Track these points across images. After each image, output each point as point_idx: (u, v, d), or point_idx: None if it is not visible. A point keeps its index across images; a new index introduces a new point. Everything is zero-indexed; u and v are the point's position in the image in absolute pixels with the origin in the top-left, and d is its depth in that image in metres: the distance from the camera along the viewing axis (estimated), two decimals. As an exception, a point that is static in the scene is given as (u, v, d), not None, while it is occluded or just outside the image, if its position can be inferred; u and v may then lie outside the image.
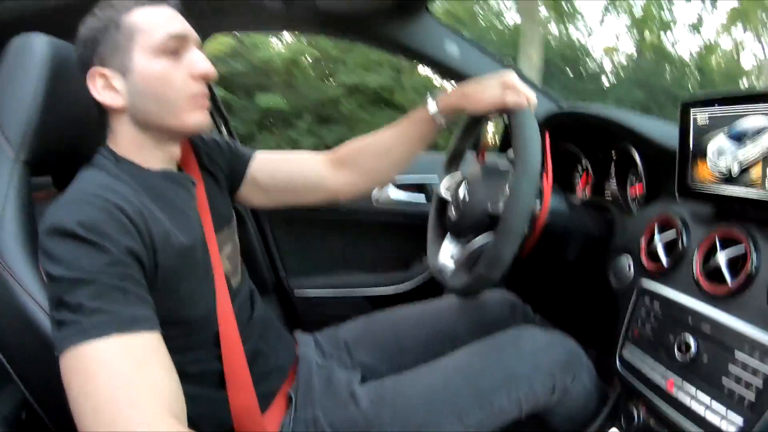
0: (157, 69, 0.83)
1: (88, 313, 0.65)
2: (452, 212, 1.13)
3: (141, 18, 0.83)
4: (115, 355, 0.65)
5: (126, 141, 0.87)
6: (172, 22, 0.85)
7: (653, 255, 1.00)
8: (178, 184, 0.91)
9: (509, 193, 0.92)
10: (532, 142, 0.91)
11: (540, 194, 1.04)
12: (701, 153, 0.90)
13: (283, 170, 1.13)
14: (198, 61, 0.86)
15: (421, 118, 1.09)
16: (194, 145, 1.03)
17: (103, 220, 0.71)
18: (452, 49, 1.60)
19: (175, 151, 0.93)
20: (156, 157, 0.89)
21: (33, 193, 0.88)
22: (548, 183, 1.04)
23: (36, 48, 0.87)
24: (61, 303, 0.67)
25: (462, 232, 1.12)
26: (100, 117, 0.88)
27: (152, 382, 0.66)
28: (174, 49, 0.84)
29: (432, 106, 1.07)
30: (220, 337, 0.88)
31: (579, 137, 1.44)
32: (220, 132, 1.86)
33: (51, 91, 0.87)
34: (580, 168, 1.49)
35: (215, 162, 1.05)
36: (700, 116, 0.90)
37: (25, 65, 0.87)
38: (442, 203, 1.24)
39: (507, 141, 1.82)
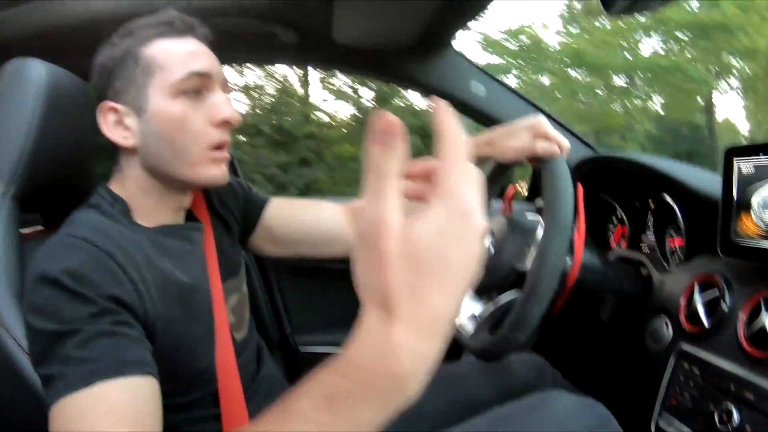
0: (174, 111, 0.83)
1: (74, 363, 0.65)
2: None
3: (162, 52, 0.83)
4: (100, 407, 0.64)
5: (133, 184, 0.88)
6: (196, 58, 0.85)
7: (693, 316, 1.00)
8: (181, 238, 0.92)
9: (539, 251, 0.93)
10: (565, 194, 0.92)
11: (571, 250, 1.05)
12: (746, 205, 0.92)
13: (300, 219, 1.15)
14: (220, 105, 0.86)
15: None
16: (207, 194, 1.05)
17: (90, 267, 0.71)
18: (478, 89, 1.65)
19: (185, 200, 0.94)
20: (163, 205, 0.90)
21: (21, 230, 0.90)
22: (580, 238, 1.05)
23: (32, 74, 0.89)
24: (47, 356, 0.67)
25: (485, 288, 1.13)
26: (112, 153, 0.89)
27: (140, 422, 0.65)
28: (195, 88, 0.84)
29: None
30: (220, 395, 0.87)
31: (614, 186, 1.47)
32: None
33: (46, 121, 0.88)
34: (614, 219, 1.51)
35: (227, 206, 1.07)
36: (744, 165, 0.92)
37: (19, 92, 0.88)
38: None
39: (535, 189, 1.86)
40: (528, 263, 1.00)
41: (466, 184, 0.41)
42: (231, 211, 1.08)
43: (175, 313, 0.80)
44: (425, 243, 0.40)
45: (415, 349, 0.41)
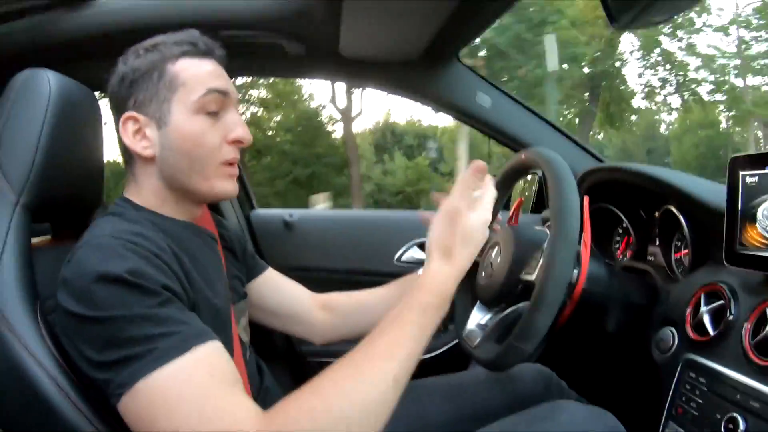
0: (193, 127, 0.88)
1: (158, 338, 0.69)
2: (482, 276, 1.17)
3: (185, 70, 0.89)
4: (204, 369, 0.70)
5: (149, 193, 0.92)
6: (215, 77, 0.91)
7: (699, 326, 1.01)
8: (200, 238, 0.97)
9: (545, 261, 0.94)
10: (571, 205, 0.94)
11: (578, 260, 1.06)
12: (751, 216, 0.93)
13: (279, 295, 1.24)
14: (235, 125, 0.92)
15: (411, 285, 1.20)
16: (218, 223, 1.11)
17: (146, 265, 0.75)
18: (484, 100, 1.68)
19: (196, 212, 0.99)
20: (176, 213, 0.95)
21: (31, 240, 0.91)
22: (586, 250, 1.07)
23: (42, 85, 0.91)
24: (119, 340, 0.69)
25: (492, 299, 1.14)
26: (125, 163, 0.93)
27: (237, 380, 0.73)
28: (215, 107, 0.90)
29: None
30: None
31: (619, 196, 1.48)
32: (249, 199, 1.96)
33: (56, 131, 0.91)
34: (620, 229, 1.52)
35: (233, 247, 1.14)
36: (749, 177, 0.93)
37: (30, 103, 0.90)
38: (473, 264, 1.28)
39: (541, 202, 1.88)
40: (534, 274, 1.01)
41: (489, 203, 0.91)
42: (236, 254, 1.14)
43: (207, 316, 0.84)
44: (472, 227, 0.87)
45: (455, 281, 0.86)
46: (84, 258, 0.75)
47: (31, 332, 0.79)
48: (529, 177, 1.91)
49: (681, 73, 16.47)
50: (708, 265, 1.11)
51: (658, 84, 17.15)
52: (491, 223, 1.19)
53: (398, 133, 22.94)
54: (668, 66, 16.41)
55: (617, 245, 1.53)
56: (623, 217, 1.47)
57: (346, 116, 17.24)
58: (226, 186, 0.94)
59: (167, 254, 0.81)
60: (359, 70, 1.67)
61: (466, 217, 0.87)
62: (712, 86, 16.82)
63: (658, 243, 1.34)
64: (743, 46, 16.38)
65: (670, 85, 17.13)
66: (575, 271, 1.05)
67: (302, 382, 0.72)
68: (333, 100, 17.52)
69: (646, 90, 17.42)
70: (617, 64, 15.63)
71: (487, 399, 1.22)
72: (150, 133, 0.89)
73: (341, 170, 18.01)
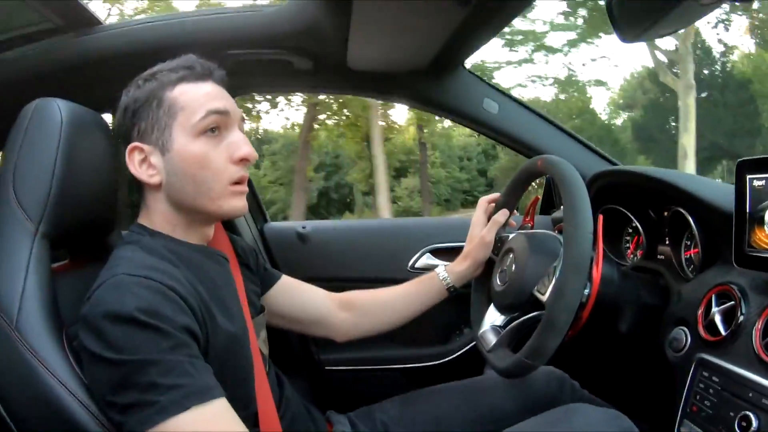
0: (195, 150, 0.90)
1: (163, 390, 0.71)
2: (497, 282, 1.19)
3: (183, 95, 0.91)
4: (200, 427, 0.73)
5: (160, 218, 0.95)
6: (214, 98, 0.92)
7: (711, 326, 1.03)
8: (214, 260, 0.99)
9: (556, 287, 0.97)
10: (584, 232, 0.96)
11: (589, 279, 1.06)
12: (759, 218, 0.94)
13: (297, 301, 1.27)
14: (238, 144, 0.93)
15: (431, 284, 1.29)
16: (231, 239, 1.14)
17: (159, 302, 0.77)
18: (491, 106, 1.70)
19: (208, 232, 1.01)
20: (188, 236, 0.97)
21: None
22: (598, 269, 1.07)
23: (54, 114, 0.93)
24: (127, 385, 0.72)
25: (506, 307, 1.18)
26: (137, 191, 0.96)
27: None
28: (215, 126, 0.91)
29: (442, 273, 1.28)
30: (259, 416, 0.93)
31: (629, 198, 1.49)
32: (262, 213, 1.99)
33: (69, 160, 0.92)
34: (629, 229, 1.54)
35: (249, 263, 1.16)
36: (757, 180, 0.95)
37: (42, 133, 0.92)
38: (488, 262, 1.32)
39: (550, 202, 1.89)
40: (546, 296, 1.03)
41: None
42: (251, 268, 1.16)
43: (223, 348, 0.87)
44: None
45: None
46: (100, 297, 0.78)
47: (59, 359, 0.81)
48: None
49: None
50: (718, 265, 1.12)
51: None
52: (507, 218, 1.25)
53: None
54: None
55: (627, 245, 1.55)
56: (633, 218, 1.48)
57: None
58: (235, 204, 0.95)
59: (183, 287, 0.83)
60: (367, 82, 1.69)
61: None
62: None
63: (667, 242, 1.35)
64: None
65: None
66: (586, 292, 1.06)
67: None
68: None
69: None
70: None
71: (502, 402, 1.24)
72: (155, 161, 0.91)
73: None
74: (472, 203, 22.32)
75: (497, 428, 1.07)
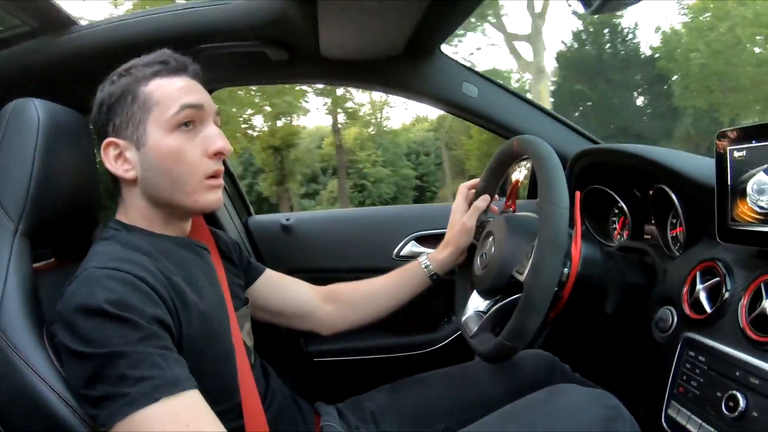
0: (170, 145, 0.90)
1: (132, 382, 0.71)
2: (478, 266, 1.18)
3: (158, 89, 0.90)
4: (169, 419, 0.72)
5: (136, 213, 0.94)
6: (188, 92, 0.92)
7: (696, 304, 1.01)
8: (193, 251, 0.99)
9: (533, 265, 0.95)
10: (559, 208, 0.95)
11: (568, 257, 1.06)
12: (741, 190, 0.92)
13: (281, 294, 1.27)
14: (213, 138, 0.93)
15: (413, 273, 1.29)
16: (213, 233, 1.13)
17: (129, 294, 0.77)
18: (470, 90, 1.67)
19: (185, 226, 1.01)
20: (166, 231, 0.96)
21: (34, 265, 0.94)
22: (577, 247, 1.07)
23: (31, 114, 0.93)
24: (98, 378, 0.72)
25: (487, 291, 1.16)
26: (113, 187, 0.95)
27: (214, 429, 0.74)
28: (189, 121, 0.91)
29: (425, 261, 1.27)
30: (243, 407, 0.93)
31: (613, 177, 1.48)
32: (246, 206, 1.98)
33: (47, 158, 0.93)
34: (615, 210, 1.52)
35: (232, 256, 1.15)
36: (737, 150, 0.92)
37: (20, 133, 0.92)
38: (471, 248, 1.30)
39: (536, 186, 1.87)
40: (524, 275, 1.02)
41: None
42: (234, 262, 1.16)
43: (198, 332, 0.87)
44: None
45: None
46: (72, 291, 0.78)
47: (39, 356, 0.82)
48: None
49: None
50: (703, 242, 1.11)
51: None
52: (488, 204, 1.23)
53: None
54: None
55: (614, 226, 1.53)
56: (618, 198, 1.46)
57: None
58: (210, 198, 0.95)
59: (154, 277, 0.82)
60: (343, 70, 1.66)
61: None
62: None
63: (653, 221, 1.33)
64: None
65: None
66: (565, 270, 1.05)
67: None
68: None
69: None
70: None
71: (490, 387, 1.24)
72: (130, 156, 0.91)
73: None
74: (430, 198, 22.85)
75: (486, 413, 1.06)
